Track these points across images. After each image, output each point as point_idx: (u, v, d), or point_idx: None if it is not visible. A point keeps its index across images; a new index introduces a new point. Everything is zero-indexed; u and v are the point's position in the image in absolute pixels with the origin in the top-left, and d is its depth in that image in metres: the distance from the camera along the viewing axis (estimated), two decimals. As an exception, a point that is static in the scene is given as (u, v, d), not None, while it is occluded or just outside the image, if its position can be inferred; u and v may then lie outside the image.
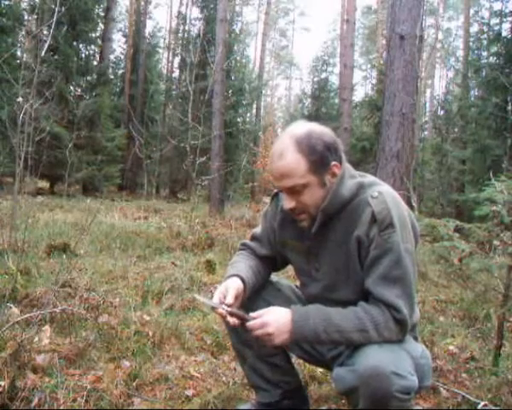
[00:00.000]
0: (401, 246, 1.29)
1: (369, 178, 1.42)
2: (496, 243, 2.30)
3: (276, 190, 1.59)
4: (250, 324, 1.31)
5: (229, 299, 1.36)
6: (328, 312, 1.32)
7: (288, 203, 1.37)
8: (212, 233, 5.95)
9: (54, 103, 11.06)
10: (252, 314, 1.33)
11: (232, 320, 1.34)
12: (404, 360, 1.24)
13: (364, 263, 1.33)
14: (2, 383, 1.60)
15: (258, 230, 1.64)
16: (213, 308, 1.37)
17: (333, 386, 1.96)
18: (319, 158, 1.31)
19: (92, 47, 15.72)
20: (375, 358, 1.21)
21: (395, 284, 1.28)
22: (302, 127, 1.35)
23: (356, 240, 1.33)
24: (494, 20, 13.09)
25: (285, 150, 1.31)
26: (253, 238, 1.64)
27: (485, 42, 13.78)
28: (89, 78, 15.08)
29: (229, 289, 1.39)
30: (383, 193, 1.33)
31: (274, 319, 1.31)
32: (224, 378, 2.03)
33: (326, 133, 1.35)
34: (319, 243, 1.42)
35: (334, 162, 1.34)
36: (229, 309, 1.34)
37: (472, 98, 15.10)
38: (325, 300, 1.43)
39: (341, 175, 1.35)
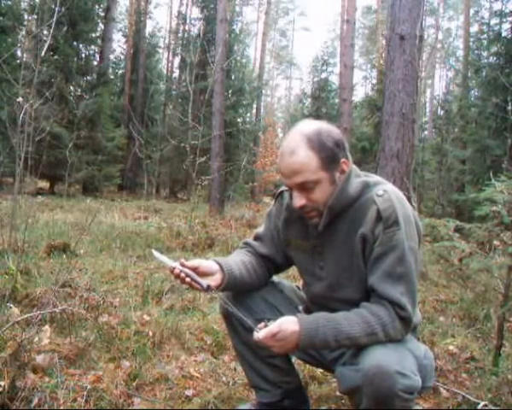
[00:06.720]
0: (405, 244, 1.29)
1: (373, 177, 1.43)
2: (496, 243, 2.30)
3: (280, 189, 1.59)
4: (255, 337, 1.30)
5: (187, 263, 1.39)
6: (336, 320, 1.29)
7: (298, 201, 1.36)
8: (212, 233, 5.94)
9: (54, 103, 11.07)
10: (260, 326, 1.31)
11: (181, 276, 1.36)
12: (409, 360, 1.25)
13: (368, 260, 1.34)
14: (2, 383, 1.60)
15: (260, 229, 1.65)
16: (168, 267, 1.40)
17: (333, 386, 1.96)
18: (330, 154, 1.32)
19: (92, 47, 15.71)
20: (379, 357, 1.21)
21: (399, 282, 1.28)
22: (311, 125, 1.36)
23: (361, 238, 1.34)
24: (494, 20, 13.08)
25: (296, 147, 1.32)
26: (256, 238, 1.64)
27: (485, 42, 13.76)
28: (89, 78, 15.07)
29: (194, 260, 1.43)
30: (388, 191, 1.34)
31: (278, 344, 1.28)
32: (223, 378, 2.03)
33: (334, 131, 1.37)
34: (324, 242, 1.42)
35: (343, 159, 1.35)
36: (178, 266, 1.37)
37: (472, 98, 15.07)
38: (329, 299, 1.43)
39: (348, 174, 1.37)
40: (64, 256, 3.73)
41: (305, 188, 1.34)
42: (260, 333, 1.28)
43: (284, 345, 1.29)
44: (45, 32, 9.18)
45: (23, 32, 13.40)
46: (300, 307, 1.59)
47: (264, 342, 1.28)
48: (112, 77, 18.50)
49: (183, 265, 1.38)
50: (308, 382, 2.02)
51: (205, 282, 1.39)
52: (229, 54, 13.47)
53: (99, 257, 4.26)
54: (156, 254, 1.44)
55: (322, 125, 1.37)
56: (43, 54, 4.97)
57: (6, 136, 7.08)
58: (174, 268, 1.37)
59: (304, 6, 58.98)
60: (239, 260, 1.53)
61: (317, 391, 1.96)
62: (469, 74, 15.30)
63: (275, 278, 1.66)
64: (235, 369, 2.10)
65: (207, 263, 1.45)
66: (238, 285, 1.49)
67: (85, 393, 1.71)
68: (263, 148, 13.41)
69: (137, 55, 18.78)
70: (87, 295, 2.73)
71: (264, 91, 30.01)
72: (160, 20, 36.96)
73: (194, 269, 1.39)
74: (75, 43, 14.24)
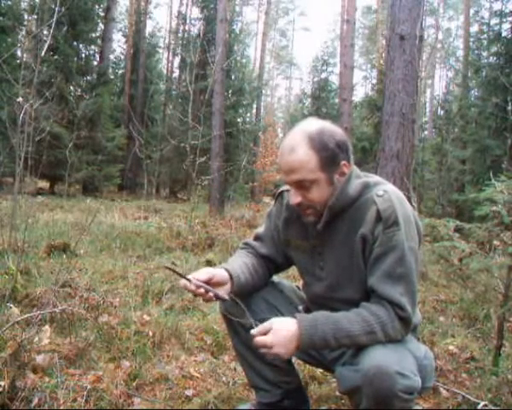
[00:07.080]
0: (405, 244, 1.29)
1: (374, 177, 1.43)
2: (496, 243, 2.30)
3: (280, 190, 1.59)
4: (253, 334, 1.29)
5: (198, 275, 1.36)
6: (335, 318, 1.30)
7: (294, 198, 1.37)
8: (212, 233, 5.94)
9: (54, 103, 11.06)
10: (256, 329, 1.30)
11: (199, 292, 1.34)
12: (408, 360, 1.25)
13: (368, 261, 1.34)
14: (2, 383, 1.60)
15: (260, 229, 1.65)
16: (182, 284, 1.37)
17: (333, 386, 1.96)
18: (330, 155, 1.32)
19: (92, 47, 15.72)
20: (379, 357, 1.21)
21: (399, 282, 1.28)
22: (314, 124, 1.36)
23: (361, 238, 1.33)
24: (494, 20, 13.08)
25: (296, 145, 1.31)
26: (256, 238, 1.64)
27: (485, 42, 13.76)
28: (89, 78, 15.08)
29: (204, 271, 1.40)
30: (388, 191, 1.33)
31: (278, 342, 1.27)
32: (223, 378, 2.03)
33: (337, 132, 1.36)
34: (324, 242, 1.42)
35: (343, 161, 1.35)
36: (195, 282, 1.33)
37: (472, 98, 15.07)
38: (329, 299, 1.43)
39: (349, 175, 1.36)
40: (64, 256, 3.73)
41: (302, 186, 1.34)
42: (253, 331, 1.29)
43: (284, 345, 1.28)
44: (45, 32, 9.19)
45: (23, 32, 13.42)
46: (300, 307, 1.60)
47: (261, 341, 1.27)
48: (112, 77, 18.50)
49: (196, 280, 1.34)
50: (308, 382, 2.02)
51: (226, 294, 1.38)
52: (229, 54, 13.47)
53: (99, 257, 4.26)
54: (169, 268, 1.43)
55: (325, 125, 1.36)
56: (43, 54, 4.97)
57: (6, 136, 7.08)
58: (189, 285, 1.33)
59: (304, 6, 59.24)
60: (242, 264, 1.52)
61: (317, 391, 1.96)
62: (469, 74, 15.30)
63: (275, 278, 1.66)
64: (235, 369, 2.11)
65: (219, 272, 1.41)
66: (243, 291, 1.49)
67: (85, 393, 1.71)
68: (263, 148, 13.40)
69: (137, 55, 18.78)
70: (87, 295, 2.73)
71: (264, 91, 30.02)
72: (160, 20, 37.23)
73: (208, 281, 1.37)
74: (75, 43, 14.24)
